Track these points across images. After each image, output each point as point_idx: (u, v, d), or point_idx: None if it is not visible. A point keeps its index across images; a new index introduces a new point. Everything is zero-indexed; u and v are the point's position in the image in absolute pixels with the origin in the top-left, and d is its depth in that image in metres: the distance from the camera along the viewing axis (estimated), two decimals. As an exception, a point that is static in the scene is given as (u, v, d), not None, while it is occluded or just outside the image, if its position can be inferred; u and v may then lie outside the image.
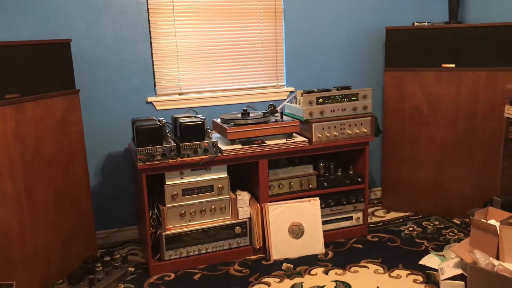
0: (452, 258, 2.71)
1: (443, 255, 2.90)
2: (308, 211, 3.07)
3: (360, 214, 3.28)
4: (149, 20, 3.18)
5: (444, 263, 2.67)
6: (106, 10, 3.08)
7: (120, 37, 3.14)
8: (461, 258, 2.53)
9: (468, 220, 3.33)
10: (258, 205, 3.02)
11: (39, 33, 2.95)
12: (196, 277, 2.83)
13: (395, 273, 2.78)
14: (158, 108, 3.29)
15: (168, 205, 2.86)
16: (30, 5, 2.91)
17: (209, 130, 2.92)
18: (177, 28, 3.26)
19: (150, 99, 3.26)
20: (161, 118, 2.95)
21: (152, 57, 3.23)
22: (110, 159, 3.27)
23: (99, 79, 3.14)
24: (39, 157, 2.60)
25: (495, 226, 2.43)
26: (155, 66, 3.25)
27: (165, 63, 3.28)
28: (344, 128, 3.11)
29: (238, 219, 3.00)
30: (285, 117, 3.12)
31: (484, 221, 2.55)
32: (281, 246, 3.00)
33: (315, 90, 3.14)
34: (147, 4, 3.16)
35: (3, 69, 2.38)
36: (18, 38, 2.88)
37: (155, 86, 3.28)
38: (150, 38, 3.20)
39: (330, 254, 3.04)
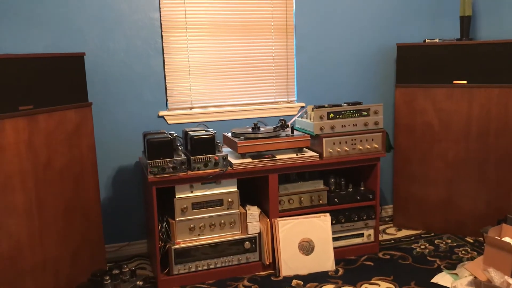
0: (466, 277, 2.66)
1: (456, 274, 2.84)
2: (319, 227, 3.04)
3: (371, 231, 3.24)
4: (162, 35, 3.22)
5: (457, 281, 2.62)
6: (119, 25, 3.13)
7: (133, 52, 3.18)
8: (475, 276, 2.48)
9: (482, 238, 3.27)
10: (268, 220, 3.00)
11: (54, 46, 3.00)
12: (204, 292, 2.80)
13: (407, 291, 2.73)
14: (169, 122, 3.31)
15: (177, 219, 2.84)
16: (45, 19, 2.97)
17: (219, 144, 2.93)
18: (190, 43, 3.29)
19: (161, 113, 3.28)
20: (172, 132, 2.96)
21: (164, 71, 3.26)
22: (120, 172, 3.28)
23: (111, 93, 3.17)
24: (50, 168, 2.61)
25: (510, 244, 2.39)
26: (167, 81, 3.28)
27: (177, 77, 3.30)
28: (355, 144, 3.09)
29: (248, 234, 2.98)
30: (295, 132, 3.12)
31: (499, 238, 2.51)
32: (291, 262, 2.97)
33: (326, 105, 3.14)
34: (160, 20, 3.20)
35: (17, 81, 2.41)
36: (33, 51, 2.93)
37: (166, 100, 3.31)
38: (163, 53, 3.24)
39: (341, 271, 3.00)
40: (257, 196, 3.18)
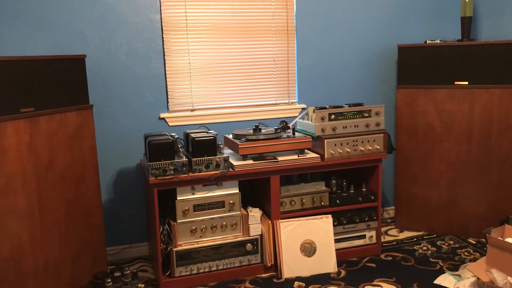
0: (468, 278, 2.65)
1: (459, 275, 2.83)
2: (320, 229, 3.03)
3: (373, 233, 3.23)
4: (163, 37, 3.22)
5: (460, 283, 2.61)
6: (121, 27, 3.13)
7: (134, 54, 3.18)
8: (477, 277, 2.47)
9: (484, 239, 3.26)
10: (270, 222, 2.99)
11: (55, 48, 3.00)
12: (206, 294, 2.80)
13: (409, 292, 2.72)
14: (170, 124, 3.31)
15: (179, 221, 2.84)
16: (46, 22, 2.97)
17: (220, 146, 2.92)
18: (190, 45, 3.29)
19: (162, 115, 3.28)
20: (173, 134, 2.96)
21: (165, 73, 3.26)
22: (122, 174, 3.27)
23: (112, 95, 3.17)
24: (52, 170, 2.61)
25: (512, 244, 2.38)
26: (168, 83, 3.28)
27: (178, 79, 3.30)
28: (356, 145, 3.09)
29: (249, 236, 2.97)
30: (297, 134, 3.11)
31: (501, 239, 2.50)
32: (293, 264, 2.96)
33: (327, 106, 3.14)
34: (161, 22, 3.20)
35: (19, 84, 2.41)
36: (35, 53, 2.94)
37: (167, 102, 3.31)
38: (164, 55, 3.24)
39: (343, 273, 2.99)
40: (258, 198, 3.17)
